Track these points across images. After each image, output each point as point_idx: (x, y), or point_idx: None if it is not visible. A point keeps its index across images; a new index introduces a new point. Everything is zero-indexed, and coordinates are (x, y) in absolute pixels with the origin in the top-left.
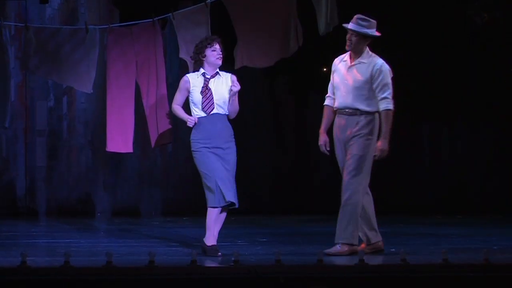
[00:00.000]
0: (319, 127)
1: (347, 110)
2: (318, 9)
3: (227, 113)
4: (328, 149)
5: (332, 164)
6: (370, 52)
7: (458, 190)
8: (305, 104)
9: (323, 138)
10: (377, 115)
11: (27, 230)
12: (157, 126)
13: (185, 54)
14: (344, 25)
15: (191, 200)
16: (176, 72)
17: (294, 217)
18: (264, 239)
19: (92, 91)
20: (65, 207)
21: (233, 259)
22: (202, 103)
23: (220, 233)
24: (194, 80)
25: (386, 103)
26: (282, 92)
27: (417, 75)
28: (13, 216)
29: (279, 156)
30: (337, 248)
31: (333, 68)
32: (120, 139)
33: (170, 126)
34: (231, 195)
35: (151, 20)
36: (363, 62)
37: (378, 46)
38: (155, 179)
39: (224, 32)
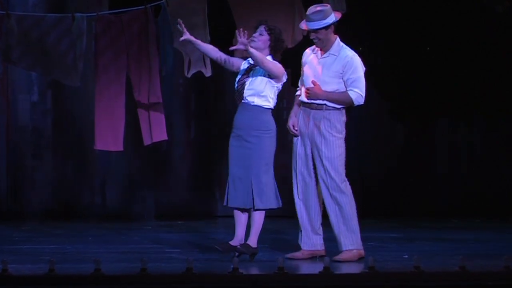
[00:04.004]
0: None
1: (315, 104)
2: None
3: (261, 105)
4: (296, 129)
5: None
6: (341, 44)
7: (476, 192)
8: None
9: (291, 121)
10: (344, 111)
11: (9, 235)
12: (150, 123)
13: (179, 44)
14: (301, 27)
15: (186, 202)
16: (170, 64)
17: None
18: (265, 245)
19: (79, 84)
20: (50, 210)
21: (232, 266)
22: (236, 91)
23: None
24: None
25: (357, 98)
26: (285, 85)
27: (432, 70)
28: None
29: (279, 155)
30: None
31: (303, 59)
32: (109, 136)
33: (163, 123)
34: (232, 199)
35: (143, 7)
36: (334, 55)
37: (392, 39)
38: (147, 180)
39: (222, 21)
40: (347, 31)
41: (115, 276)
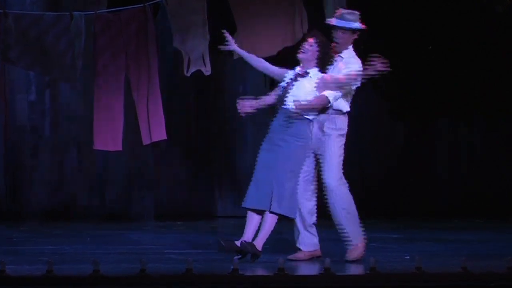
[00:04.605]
0: None
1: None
2: None
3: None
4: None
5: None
6: (352, 52)
7: (476, 192)
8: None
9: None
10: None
11: (7, 235)
12: (149, 122)
13: (179, 43)
14: (331, 23)
15: (185, 203)
16: (169, 63)
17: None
18: (266, 246)
19: (77, 83)
20: (48, 210)
21: (231, 267)
22: (278, 96)
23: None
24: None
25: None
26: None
27: (432, 70)
28: None
29: None
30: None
31: None
32: (108, 136)
33: (163, 122)
34: (250, 200)
35: (142, 5)
36: (341, 57)
37: (392, 39)
38: (147, 179)
39: (222, 19)
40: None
41: (114, 277)
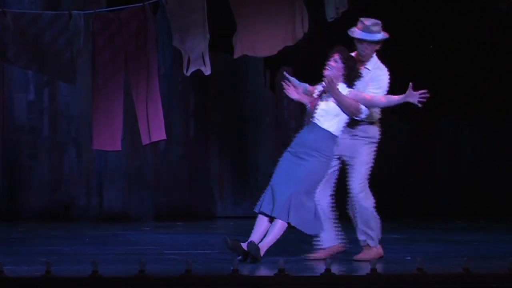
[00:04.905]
0: None
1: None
2: None
3: (328, 130)
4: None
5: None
6: (377, 60)
7: (477, 192)
8: None
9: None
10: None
11: (5, 236)
12: (148, 122)
13: (178, 42)
14: (355, 35)
15: (185, 203)
16: (169, 62)
17: None
18: None
19: (76, 83)
20: (46, 211)
21: (231, 268)
22: (307, 111)
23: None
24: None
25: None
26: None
27: (432, 70)
28: None
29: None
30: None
31: None
32: (107, 136)
33: (162, 122)
34: (266, 207)
35: (141, 4)
36: (368, 69)
37: (392, 38)
38: (146, 180)
39: (223, 18)
40: (347, 31)
41: (113, 278)
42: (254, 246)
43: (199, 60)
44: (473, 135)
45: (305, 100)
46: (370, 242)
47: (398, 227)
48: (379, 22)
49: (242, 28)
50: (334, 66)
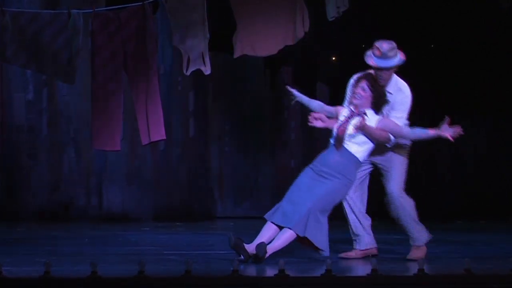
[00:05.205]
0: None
1: None
2: None
3: (356, 155)
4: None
5: None
6: (397, 80)
7: (479, 193)
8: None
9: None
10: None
11: (4, 237)
12: (148, 122)
13: (178, 41)
14: (372, 63)
15: (185, 203)
16: (168, 62)
17: None
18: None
19: (75, 83)
20: (46, 211)
21: (231, 268)
22: (335, 135)
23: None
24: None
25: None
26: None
27: (432, 70)
28: None
29: (282, 153)
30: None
31: (352, 83)
32: (106, 136)
33: (162, 122)
34: (278, 217)
35: (141, 3)
36: (389, 92)
37: (393, 38)
38: (145, 180)
39: (223, 17)
40: (348, 31)
41: (112, 278)
42: (263, 248)
43: (199, 60)
44: (475, 135)
45: (331, 125)
46: (416, 242)
47: (399, 227)
48: (394, 45)
49: (242, 27)
50: (362, 94)
